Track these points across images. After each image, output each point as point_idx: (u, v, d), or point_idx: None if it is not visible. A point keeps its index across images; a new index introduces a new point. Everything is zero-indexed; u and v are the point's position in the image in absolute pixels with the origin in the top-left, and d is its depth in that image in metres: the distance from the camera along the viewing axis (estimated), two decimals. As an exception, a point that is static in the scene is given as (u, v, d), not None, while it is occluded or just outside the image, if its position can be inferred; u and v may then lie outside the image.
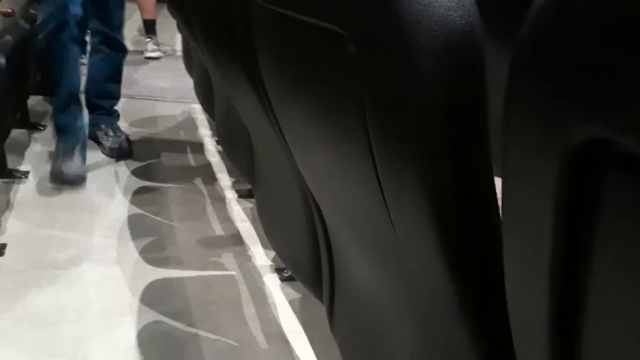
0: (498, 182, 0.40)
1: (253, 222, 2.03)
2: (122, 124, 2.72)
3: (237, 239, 1.95)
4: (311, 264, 1.01)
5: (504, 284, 0.41)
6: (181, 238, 1.93)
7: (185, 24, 1.64)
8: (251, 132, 1.33)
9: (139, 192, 2.25)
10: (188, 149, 2.69)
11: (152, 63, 4.14)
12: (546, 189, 0.31)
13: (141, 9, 4.31)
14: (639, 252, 0.28)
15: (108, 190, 2.24)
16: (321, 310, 1.02)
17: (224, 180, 2.38)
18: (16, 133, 2.55)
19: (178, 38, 4.10)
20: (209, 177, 2.41)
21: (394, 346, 0.71)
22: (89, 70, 2.62)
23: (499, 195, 0.38)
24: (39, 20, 2.23)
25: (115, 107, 2.68)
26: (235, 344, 1.46)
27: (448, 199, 0.45)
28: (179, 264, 1.79)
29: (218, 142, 2.57)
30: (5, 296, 1.58)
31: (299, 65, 0.64)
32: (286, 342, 1.48)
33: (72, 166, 2.20)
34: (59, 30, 2.18)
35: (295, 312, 1.59)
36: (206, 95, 2.09)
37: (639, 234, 0.28)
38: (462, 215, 0.46)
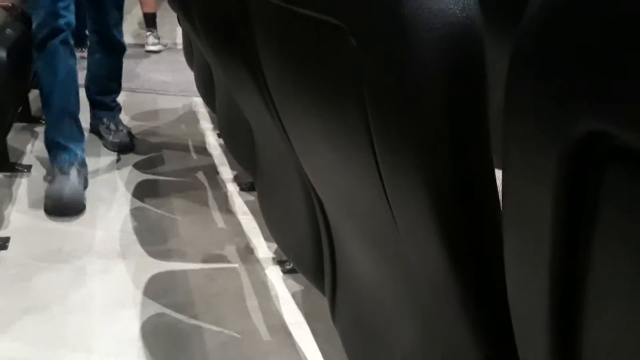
0: (499, 173, 0.40)
1: (255, 215, 2.04)
2: (124, 117, 2.72)
3: (239, 232, 1.95)
4: (313, 257, 1.02)
5: (504, 279, 0.41)
6: (183, 231, 1.94)
7: (186, 17, 1.64)
8: (252, 125, 1.33)
9: (141, 185, 2.25)
10: (189, 142, 2.69)
11: (153, 56, 4.13)
12: (546, 184, 0.31)
13: (141, 3, 4.29)
14: (638, 247, 0.28)
15: (110, 183, 2.25)
16: (323, 302, 1.02)
17: (226, 173, 2.39)
18: (18, 127, 2.55)
19: (178, 31, 4.09)
20: (211, 170, 2.41)
21: (396, 339, 0.71)
22: (88, 68, 2.56)
23: (500, 187, 0.39)
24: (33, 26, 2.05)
25: (117, 100, 2.64)
26: (238, 335, 1.47)
27: (449, 193, 0.45)
28: (182, 257, 1.79)
29: (219, 135, 2.58)
30: (9, 289, 1.59)
31: (299, 59, 0.64)
32: (289, 334, 1.48)
33: (67, 188, 1.98)
34: (51, 40, 2.01)
35: (297, 304, 1.60)
36: (207, 88, 2.09)
37: (638, 228, 0.28)
38: (462, 210, 0.46)
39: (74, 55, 2.12)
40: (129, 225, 1.95)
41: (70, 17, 2.06)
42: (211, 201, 2.16)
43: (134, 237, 1.88)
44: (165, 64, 3.94)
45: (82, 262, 1.74)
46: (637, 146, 0.26)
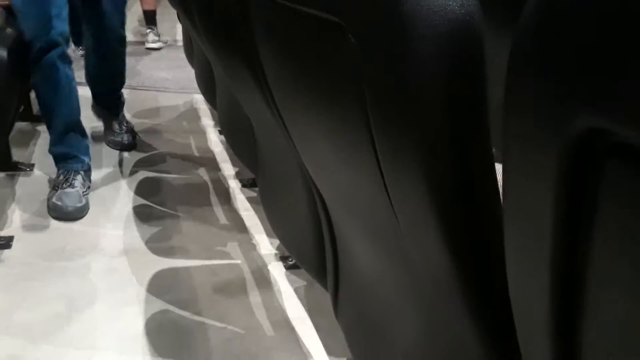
0: (500, 167, 0.40)
1: (257, 211, 2.04)
2: (125, 115, 2.72)
3: (241, 228, 1.96)
4: (315, 253, 1.02)
5: (506, 273, 0.41)
6: (186, 228, 1.95)
7: (185, 14, 1.63)
8: (253, 122, 1.33)
9: (143, 182, 2.26)
10: (191, 139, 2.70)
11: (153, 54, 4.13)
12: (546, 180, 0.32)
13: (141, 0, 4.29)
14: (637, 242, 0.28)
15: (112, 181, 2.25)
16: (326, 297, 1.03)
17: (228, 169, 2.39)
18: (20, 125, 2.56)
19: (178, 28, 4.09)
20: (213, 166, 2.42)
21: (398, 334, 0.72)
22: (86, 67, 2.44)
23: (500, 181, 0.39)
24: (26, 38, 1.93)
25: (120, 95, 2.55)
26: (242, 331, 1.48)
27: (449, 190, 0.45)
28: (185, 254, 1.80)
29: (221, 132, 2.58)
30: (13, 287, 1.60)
31: (299, 57, 0.64)
32: (292, 329, 1.49)
33: (70, 198, 1.97)
34: (46, 54, 1.92)
35: (300, 299, 1.60)
36: (208, 85, 2.09)
37: (637, 224, 0.28)
38: (463, 206, 0.46)
39: (70, 65, 2.03)
40: (132, 223, 1.96)
41: (64, 27, 1.94)
42: (213, 198, 2.17)
43: (136, 235, 1.89)
44: (165, 61, 3.94)
45: (85, 260, 1.74)
46: (636, 143, 0.27)
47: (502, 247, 0.40)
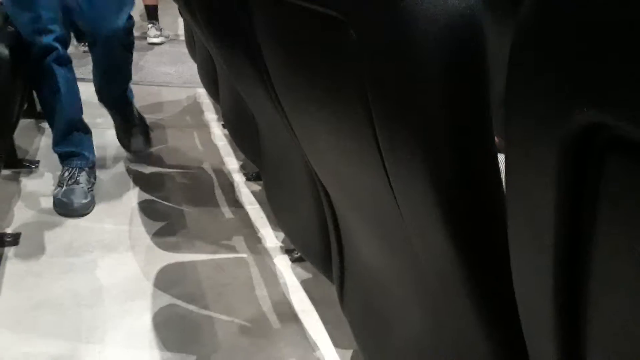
0: (502, 157, 0.40)
1: (262, 205, 2.05)
2: (136, 109, 2.54)
3: (246, 222, 1.96)
4: (320, 245, 1.03)
5: (510, 266, 0.42)
6: (191, 222, 1.96)
7: (187, 9, 1.63)
8: (256, 116, 1.33)
9: (148, 177, 2.27)
10: (195, 134, 2.70)
11: (156, 49, 4.13)
12: (547, 174, 0.32)
13: (142, -5, 4.29)
14: (639, 236, 0.29)
15: (117, 176, 2.26)
16: (332, 289, 1.03)
17: (232, 163, 2.40)
18: (24, 123, 2.56)
19: (180, 22, 4.09)
20: (217, 160, 2.42)
21: (404, 326, 0.72)
22: (93, 73, 2.21)
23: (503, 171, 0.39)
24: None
25: (128, 93, 2.32)
26: (249, 324, 1.49)
27: (451, 181, 0.45)
28: (191, 248, 1.81)
29: (224, 126, 2.58)
30: (22, 284, 1.61)
31: (300, 51, 0.64)
32: (298, 322, 1.50)
33: (76, 194, 1.97)
34: (43, 59, 1.90)
35: (306, 291, 1.61)
36: (210, 80, 2.09)
37: (639, 218, 0.29)
38: (465, 198, 0.46)
39: (70, 65, 1.99)
40: (137, 218, 1.97)
41: (59, 30, 1.89)
42: (218, 192, 2.17)
43: (142, 230, 1.90)
44: (167, 55, 3.94)
45: (92, 256, 1.76)
46: (636, 137, 0.27)
47: (506, 240, 0.40)
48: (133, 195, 2.12)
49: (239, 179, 2.27)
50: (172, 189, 2.18)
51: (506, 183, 0.37)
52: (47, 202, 2.02)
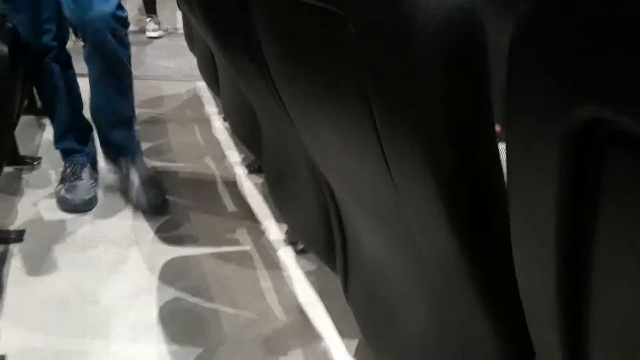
0: (503, 146, 0.40)
1: (264, 197, 2.05)
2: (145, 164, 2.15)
3: (249, 214, 1.97)
4: (323, 237, 1.03)
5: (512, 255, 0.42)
6: (194, 216, 1.96)
7: (185, 3, 1.63)
8: (256, 109, 1.33)
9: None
10: (196, 128, 2.70)
11: (154, 42, 4.11)
12: (548, 168, 0.32)
13: (140, -12, 4.27)
14: (638, 226, 0.29)
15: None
16: (336, 280, 1.04)
17: (233, 156, 2.40)
18: (24, 119, 2.56)
19: (179, 16, 4.07)
20: (218, 154, 2.42)
21: (409, 317, 0.72)
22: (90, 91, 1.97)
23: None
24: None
25: (135, 132, 2.02)
26: (254, 317, 1.50)
27: (452, 174, 0.45)
28: (194, 242, 1.81)
29: (225, 119, 2.58)
30: (26, 280, 1.62)
31: (300, 46, 0.64)
32: (303, 313, 1.51)
33: (79, 190, 1.94)
34: (42, 58, 1.89)
35: (310, 283, 1.62)
36: (210, 73, 2.09)
37: (638, 211, 0.29)
38: (467, 190, 0.46)
39: (69, 62, 1.98)
40: (140, 212, 1.97)
41: (57, 29, 1.86)
42: (220, 185, 2.18)
43: (146, 225, 1.90)
44: (167, 49, 3.93)
45: (96, 251, 1.76)
46: (636, 132, 0.27)
47: (509, 233, 0.41)
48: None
49: (240, 172, 2.27)
50: (174, 182, 2.19)
51: (508, 178, 0.37)
52: (50, 199, 2.03)
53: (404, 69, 0.44)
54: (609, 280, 0.33)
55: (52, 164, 2.25)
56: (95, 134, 2.15)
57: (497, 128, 0.48)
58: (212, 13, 1.17)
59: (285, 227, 1.84)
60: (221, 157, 2.39)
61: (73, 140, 2.08)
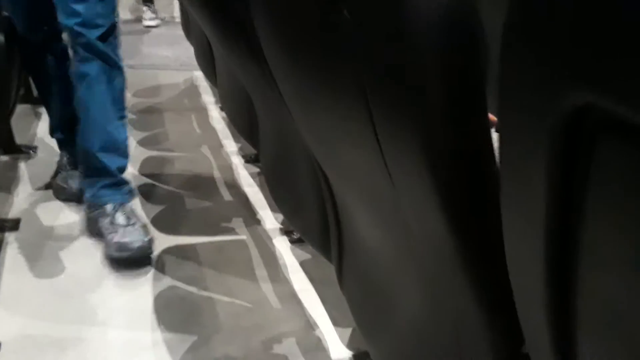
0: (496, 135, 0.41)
1: (261, 187, 2.05)
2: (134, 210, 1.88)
3: (245, 204, 1.97)
4: (319, 226, 1.03)
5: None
6: (190, 205, 1.96)
7: (182, -9, 1.62)
8: (253, 97, 1.33)
9: (146, 161, 2.27)
10: (193, 117, 2.70)
11: (152, 31, 4.10)
12: (539, 154, 0.32)
13: (137, -24, 4.24)
14: (626, 214, 0.29)
15: (116, 161, 2.26)
16: (331, 269, 1.04)
17: (230, 146, 2.40)
18: (21, 108, 2.55)
19: (176, 5, 4.05)
20: (215, 143, 2.42)
21: (403, 304, 0.73)
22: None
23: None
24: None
25: (124, 169, 1.75)
26: (249, 305, 1.50)
27: (446, 159, 0.46)
28: (190, 230, 1.82)
29: (222, 109, 2.58)
30: (23, 268, 1.63)
31: (295, 33, 0.64)
32: (298, 302, 1.51)
33: (75, 180, 1.92)
34: (38, 51, 1.88)
35: (305, 272, 1.63)
36: (207, 62, 2.08)
37: (627, 196, 0.29)
38: (459, 174, 0.47)
39: (65, 52, 1.89)
40: (137, 201, 1.97)
41: (54, 24, 1.75)
42: (217, 174, 2.18)
43: (142, 213, 1.90)
44: (164, 38, 3.91)
45: (92, 239, 1.76)
46: (625, 119, 0.27)
47: (500, 217, 0.41)
48: (132, 179, 2.12)
49: (237, 161, 2.27)
50: (171, 172, 2.19)
51: (500, 166, 0.38)
52: (46, 188, 2.03)
53: (398, 56, 0.44)
54: (597, 267, 0.34)
55: (48, 153, 2.25)
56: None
57: (492, 118, 0.48)
58: (210, 1, 1.17)
59: (281, 216, 1.85)
60: (218, 147, 2.39)
61: (69, 130, 2.08)
